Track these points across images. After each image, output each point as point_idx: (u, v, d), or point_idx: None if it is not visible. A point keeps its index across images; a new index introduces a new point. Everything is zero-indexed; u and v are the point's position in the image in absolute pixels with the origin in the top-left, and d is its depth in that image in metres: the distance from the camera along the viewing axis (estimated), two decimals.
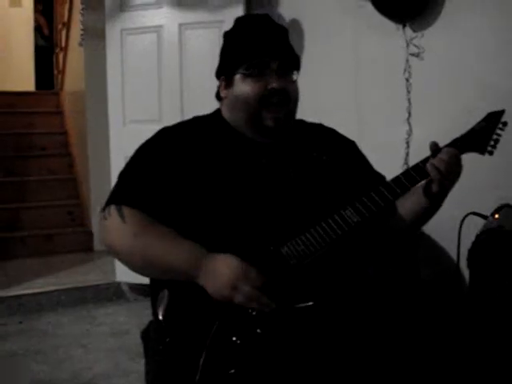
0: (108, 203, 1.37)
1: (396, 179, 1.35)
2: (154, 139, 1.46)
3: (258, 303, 1.24)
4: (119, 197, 1.37)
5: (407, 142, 2.73)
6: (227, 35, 1.51)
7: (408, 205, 1.43)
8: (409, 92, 2.72)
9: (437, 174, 1.31)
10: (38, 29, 7.80)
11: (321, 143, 1.51)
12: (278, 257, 1.30)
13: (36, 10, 7.74)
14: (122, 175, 1.42)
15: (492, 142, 1.37)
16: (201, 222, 1.35)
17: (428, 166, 1.32)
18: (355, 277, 1.41)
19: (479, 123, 1.40)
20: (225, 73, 1.46)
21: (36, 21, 7.76)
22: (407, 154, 2.72)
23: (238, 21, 1.52)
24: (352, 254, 1.42)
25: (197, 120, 1.52)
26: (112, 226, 1.34)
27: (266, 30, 1.45)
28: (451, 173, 1.33)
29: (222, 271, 1.25)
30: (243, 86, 1.41)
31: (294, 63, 1.46)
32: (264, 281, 1.26)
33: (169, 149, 1.42)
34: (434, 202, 1.38)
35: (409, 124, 2.73)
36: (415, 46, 2.67)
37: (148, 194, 1.35)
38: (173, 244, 1.30)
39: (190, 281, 1.27)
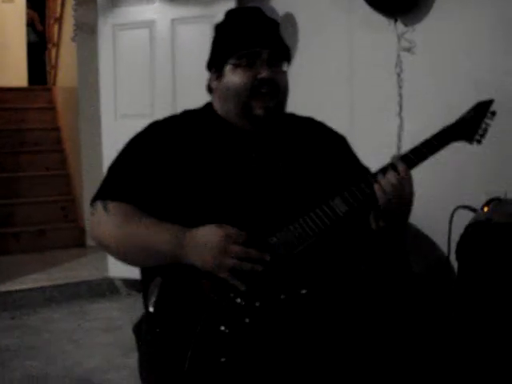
0: (95, 198, 1.39)
1: (383, 169, 1.35)
2: (143, 133, 1.46)
3: (249, 260, 1.26)
4: (106, 191, 1.38)
5: (399, 136, 2.73)
6: (218, 27, 1.51)
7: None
8: (400, 87, 2.72)
9: (382, 195, 1.31)
10: (30, 24, 7.76)
11: (310, 136, 1.51)
12: (267, 247, 1.30)
13: (28, 6, 7.70)
14: (110, 169, 1.43)
15: (480, 131, 1.38)
16: (190, 214, 1.35)
17: (375, 187, 1.31)
18: (345, 267, 1.42)
19: (468, 112, 1.42)
20: (215, 64, 1.46)
21: (29, 16, 7.72)
22: (399, 148, 2.73)
23: (229, 13, 1.52)
24: (342, 245, 1.43)
25: (187, 113, 1.52)
26: (98, 220, 1.36)
27: (256, 22, 1.45)
28: (399, 194, 1.31)
29: (207, 239, 1.27)
30: (233, 77, 1.41)
31: (285, 54, 1.46)
32: (246, 238, 1.27)
33: (158, 142, 1.42)
34: (390, 221, 1.36)
35: (400, 118, 2.73)
36: (406, 40, 2.67)
37: (135, 186, 1.36)
38: (155, 228, 1.31)
39: (177, 261, 1.28)
